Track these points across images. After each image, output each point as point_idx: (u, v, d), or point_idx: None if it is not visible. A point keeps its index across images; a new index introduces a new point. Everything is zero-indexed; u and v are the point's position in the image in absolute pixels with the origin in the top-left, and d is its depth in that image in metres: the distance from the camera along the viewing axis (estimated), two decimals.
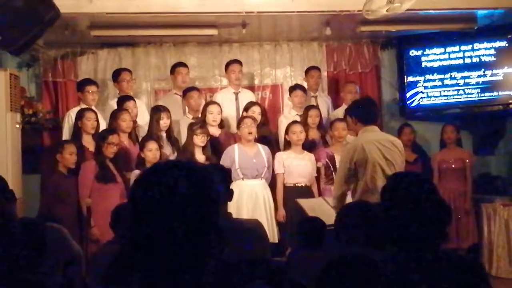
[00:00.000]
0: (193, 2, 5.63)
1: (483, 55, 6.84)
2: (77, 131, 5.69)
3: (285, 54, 7.14)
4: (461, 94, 6.94)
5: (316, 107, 6.38)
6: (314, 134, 6.18)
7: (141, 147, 5.44)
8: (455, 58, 6.95)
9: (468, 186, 6.41)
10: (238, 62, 6.47)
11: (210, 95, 6.86)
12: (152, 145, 5.38)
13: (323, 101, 6.75)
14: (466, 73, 6.90)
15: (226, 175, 3.44)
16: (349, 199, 4.39)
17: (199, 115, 6.04)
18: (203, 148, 5.59)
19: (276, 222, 5.66)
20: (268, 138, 6.08)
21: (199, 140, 5.54)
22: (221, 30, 6.33)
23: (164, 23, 6.04)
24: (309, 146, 6.00)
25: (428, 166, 6.50)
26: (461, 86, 6.94)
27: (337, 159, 5.44)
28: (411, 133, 6.58)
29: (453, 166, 6.45)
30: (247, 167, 5.59)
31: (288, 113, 6.47)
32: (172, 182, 1.31)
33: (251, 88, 6.98)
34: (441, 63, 7.00)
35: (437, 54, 7.02)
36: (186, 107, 6.23)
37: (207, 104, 6.05)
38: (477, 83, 6.86)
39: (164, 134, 5.82)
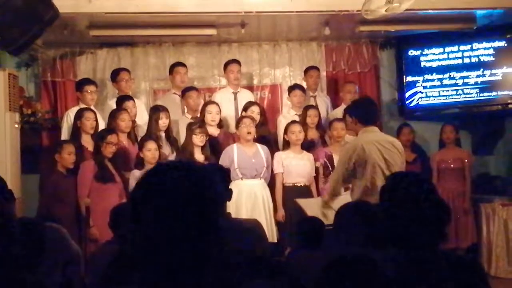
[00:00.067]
0: (192, 2, 5.63)
1: (482, 55, 6.84)
2: (76, 131, 5.69)
3: (284, 54, 7.14)
4: (460, 94, 6.95)
5: (315, 107, 6.38)
6: (313, 134, 6.18)
7: (140, 147, 5.44)
8: (454, 58, 6.96)
9: (467, 186, 6.41)
10: (237, 62, 6.47)
11: (209, 95, 6.86)
12: (151, 145, 5.38)
13: (322, 101, 6.75)
14: (465, 73, 6.91)
15: (225, 175, 3.44)
16: (348, 199, 4.38)
17: (198, 115, 6.04)
18: (202, 148, 5.59)
19: (275, 222, 5.66)
20: (267, 138, 6.08)
21: (198, 139, 5.54)
22: (220, 30, 6.33)
23: (163, 23, 6.04)
24: (307, 146, 6.01)
25: (427, 166, 6.51)
26: (460, 86, 6.94)
27: (336, 158, 5.44)
28: (410, 133, 6.59)
29: (452, 166, 6.45)
30: (246, 167, 5.59)
31: (287, 113, 6.47)
32: (172, 183, 1.31)
33: (250, 88, 6.98)
34: (440, 63, 7.01)
35: (436, 54, 7.03)
36: (185, 107, 6.23)
37: (206, 104, 6.05)
38: (476, 83, 6.87)
39: (163, 134, 5.82)
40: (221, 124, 6.05)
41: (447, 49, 6.97)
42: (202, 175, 1.36)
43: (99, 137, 5.37)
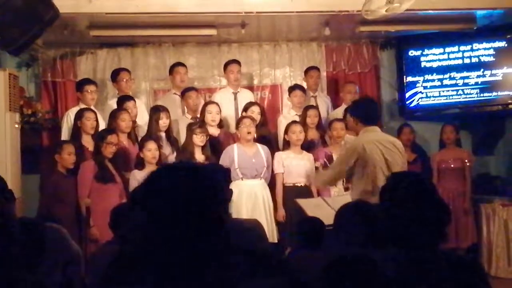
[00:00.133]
0: (192, 2, 5.63)
1: (482, 55, 6.84)
2: (76, 131, 5.69)
3: (284, 54, 7.13)
4: (460, 94, 6.94)
5: (315, 107, 6.38)
6: (313, 134, 6.18)
7: (140, 147, 5.44)
8: (454, 58, 6.95)
9: (467, 186, 6.41)
10: (237, 62, 6.46)
11: (209, 95, 6.85)
12: (151, 145, 5.38)
13: (323, 101, 6.75)
14: (465, 73, 6.91)
15: (225, 175, 3.44)
16: (348, 199, 4.38)
17: (198, 115, 6.04)
18: (203, 148, 5.59)
19: (276, 222, 5.66)
20: (267, 138, 6.08)
21: (199, 139, 5.54)
22: (220, 30, 6.33)
23: (163, 23, 6.04)
24: (308, 146, 6.01)
25: (428, 166, 6.51)
26: (460, 86, 6.94)
27: (335, 159, 5.44)
28: (411, 133, 6.59)
29: (452, 166, 6.45)
30: (246, 167, 5.59)
31: (287, 113, 6.47)
32: (173, 183, 1.31)
33: (251, 88, 6.97)
34: (440, 63, 7.01)
35: (436, 54, 7.02)
36: (185, 107, 6.24)
37: (206, 104, 6.05)
38: (476, 83, 6.87)
39: (163, 134, 5.82)
40: (221, 124, 6.05)
41: (448, 49, 6.97)
42: (203, 175, 1.36)
43: (99, 137, 5.37)
